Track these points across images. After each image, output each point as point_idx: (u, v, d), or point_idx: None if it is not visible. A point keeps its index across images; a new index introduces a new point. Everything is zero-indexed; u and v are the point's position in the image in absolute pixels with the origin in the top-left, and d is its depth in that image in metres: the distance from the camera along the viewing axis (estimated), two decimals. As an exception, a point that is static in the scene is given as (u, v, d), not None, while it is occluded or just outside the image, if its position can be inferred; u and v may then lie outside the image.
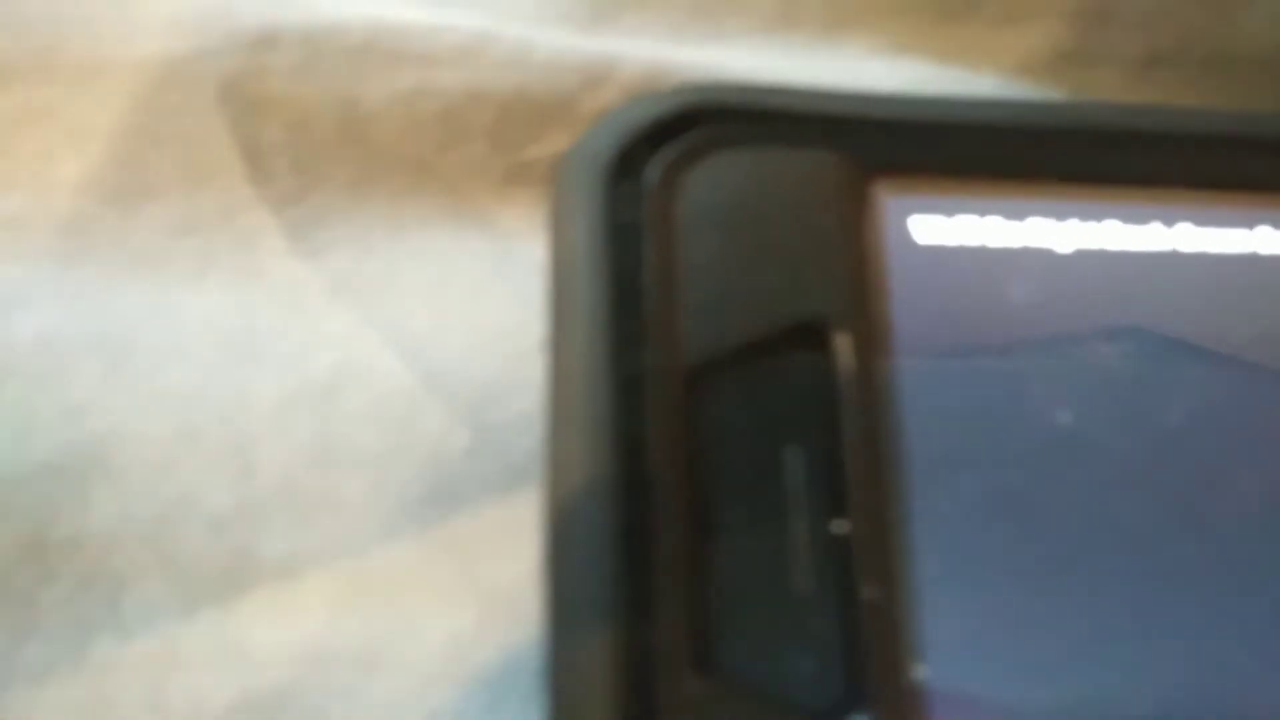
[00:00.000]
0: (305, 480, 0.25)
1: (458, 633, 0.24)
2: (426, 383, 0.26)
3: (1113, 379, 0.23)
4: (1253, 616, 0.21)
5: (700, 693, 0.20)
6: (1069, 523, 0.22)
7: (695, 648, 0.20)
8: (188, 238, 0.27)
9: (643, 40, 0.29)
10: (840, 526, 0.21)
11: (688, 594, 0.20)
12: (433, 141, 0.28)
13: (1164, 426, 0.22)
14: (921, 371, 0.22)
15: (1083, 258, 0.23)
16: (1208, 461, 0.22)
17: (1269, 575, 0.22)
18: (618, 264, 0.22)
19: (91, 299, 0.26)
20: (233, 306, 0.26)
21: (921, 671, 0.20)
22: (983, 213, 0.24)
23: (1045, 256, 0.23)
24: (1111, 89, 0.29)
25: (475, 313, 0.26)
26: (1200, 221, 0.24)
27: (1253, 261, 0.24)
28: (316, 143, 0.28)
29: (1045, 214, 0.24)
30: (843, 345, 0.22)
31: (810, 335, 0.22)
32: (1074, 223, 0.24)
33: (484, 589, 0.24)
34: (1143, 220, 0.24)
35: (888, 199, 0.23)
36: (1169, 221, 0.24)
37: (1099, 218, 0.24)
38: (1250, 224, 0.24)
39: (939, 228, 0.23)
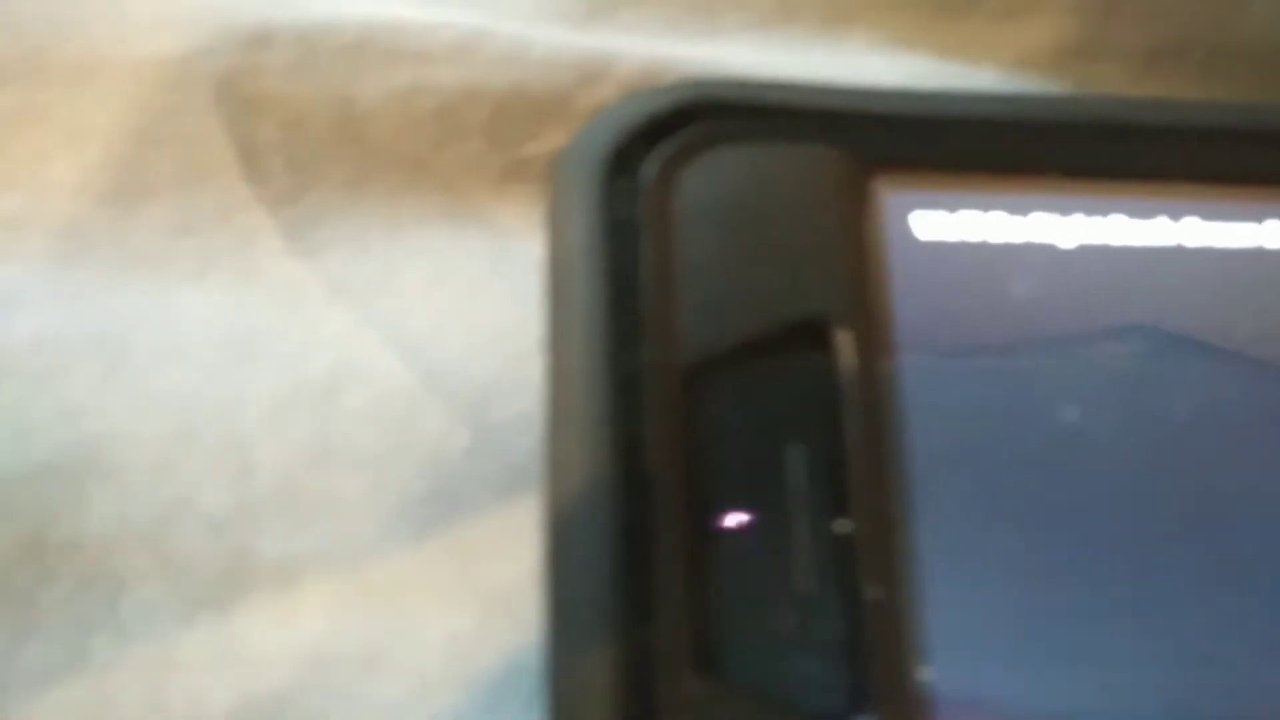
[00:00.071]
0: (304, 481, 0.25)
1: (458, 633, 0.24)
2: (426, 382, 0.26)
3: (1118, 376, 0.23)
4: (1261, 616, 0.21)
5: (701, 694, 0.20)
6: (1074, 522, 0.21)
7: (696, 649, 0.20)
8: (185, 238, 0.27)
9: (639, 36, 0.29)
10: (843, 526, 0.21)
11: (688, 594, 0.20)
12: (429, 139, 0.28)
13: (1170, 424, 0.22)
14: (924, 369, 0.22)
15: (1087, 253, 0.23)
16: (1214, 460, 0.22)
17: (1278, 574, 0.21)
18: (615, 261, 0.22)
19: (89, 299, 0.26)
20: (231, 307, 0.26)
21: (925, 672, 0.20)
22: (985, 208, 0.23)
23: (1049, 252, 0.23)
24: (1113, 84, 0.29)
25: (474, 311, 0.26)
26: (1206, 216, 0.24)
27: (1260, 256, 0.24)
28: (312, 141, 0.27)
29: (1048, 209, 0.23)
30: (844, 343, 0.22)
31: (811, 333, 0.22)
32: (1078, 218, 0.24)
33: (484, 589, 0.24)
34: (1148, 215, 0.24)
35: (889, 195, 0.23)
36: (1175, 216, 0.24)
37: (1103, 213, 0.24)
38: (1258, 218, 0.24)
39: (941, 223, 0.23)
